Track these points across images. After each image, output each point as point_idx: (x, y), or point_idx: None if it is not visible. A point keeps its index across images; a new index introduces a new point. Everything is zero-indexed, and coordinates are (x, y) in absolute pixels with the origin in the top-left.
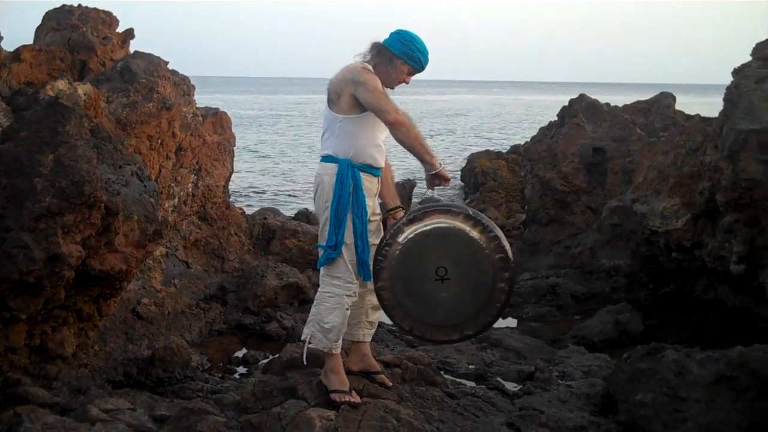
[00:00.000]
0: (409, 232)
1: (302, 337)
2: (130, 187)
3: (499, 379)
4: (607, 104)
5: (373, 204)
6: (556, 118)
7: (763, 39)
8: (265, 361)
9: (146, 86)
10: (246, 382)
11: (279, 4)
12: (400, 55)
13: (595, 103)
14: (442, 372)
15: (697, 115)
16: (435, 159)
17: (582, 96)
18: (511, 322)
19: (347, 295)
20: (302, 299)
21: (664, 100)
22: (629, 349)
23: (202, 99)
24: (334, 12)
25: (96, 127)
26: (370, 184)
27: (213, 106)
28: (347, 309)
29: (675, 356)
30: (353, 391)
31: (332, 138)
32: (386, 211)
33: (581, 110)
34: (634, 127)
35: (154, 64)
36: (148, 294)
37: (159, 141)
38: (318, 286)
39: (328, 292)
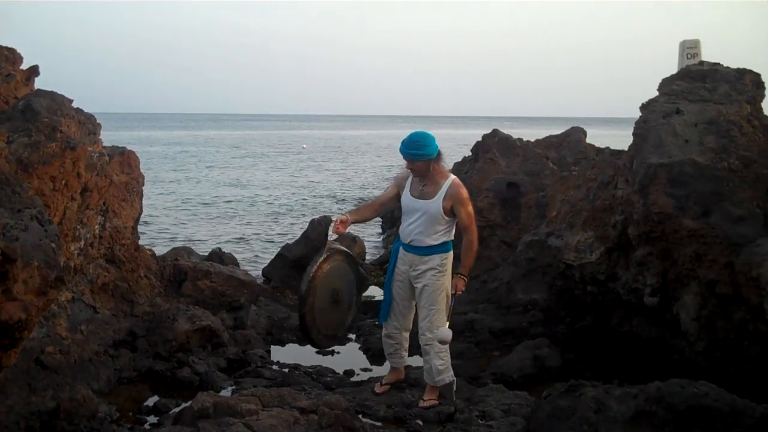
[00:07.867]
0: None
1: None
2: (29, 232)
3: (418, 421)
4: (520, 139)
5: None
6: (470, 154)
7: (668, 75)
8: (177, 409)
9: (49, 125)
10: None
11: (196, 40)
12: None
13: (508, 138)
14: (360, 416)
15: (607, 149)
16: (467, 271)
17: (495, 131)
18: None
19: None
20: (215, 343)
21: (575, 134)
22: (548, 385)
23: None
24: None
25: None
26: None
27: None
28: None
29: (594, 393)
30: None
31: (444, 233)
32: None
33: (494, 145)
34: (546, 161)
35: (57, 102)
36: (52, 341)
37: (63, 182)
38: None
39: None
